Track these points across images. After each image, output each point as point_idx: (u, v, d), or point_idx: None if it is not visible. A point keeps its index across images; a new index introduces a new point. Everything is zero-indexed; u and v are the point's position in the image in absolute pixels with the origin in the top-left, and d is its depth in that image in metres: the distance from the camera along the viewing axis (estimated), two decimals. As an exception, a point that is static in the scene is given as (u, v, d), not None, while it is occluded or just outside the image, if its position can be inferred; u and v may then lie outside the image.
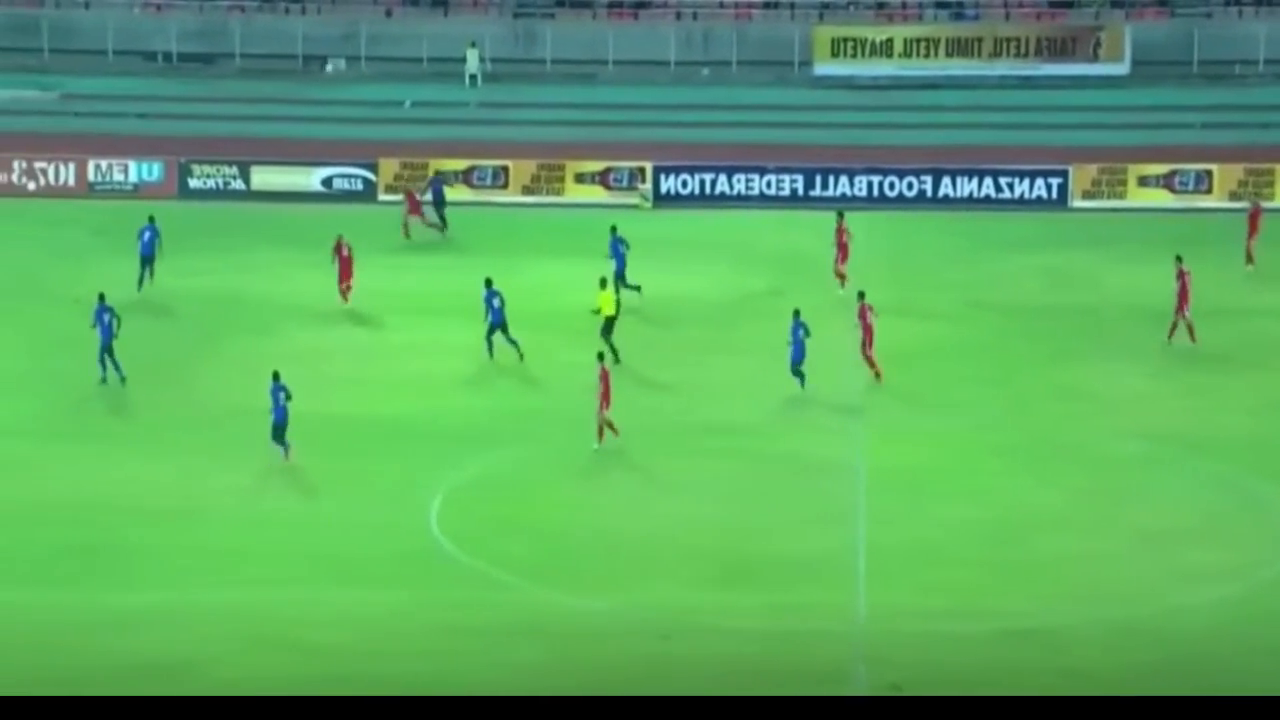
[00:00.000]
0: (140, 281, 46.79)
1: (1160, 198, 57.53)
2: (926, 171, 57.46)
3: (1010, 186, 57.49)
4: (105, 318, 40.09)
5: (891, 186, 57.38)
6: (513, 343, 41.69)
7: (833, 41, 64.39)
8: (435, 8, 67.34)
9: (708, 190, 57.16)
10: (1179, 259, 43.73)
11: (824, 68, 64.01)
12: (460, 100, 63.84)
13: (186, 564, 31.55)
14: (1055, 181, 57.51)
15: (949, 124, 61.71)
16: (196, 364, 41.48)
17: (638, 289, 45.74)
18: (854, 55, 64.22)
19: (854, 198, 57.07)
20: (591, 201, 56.35)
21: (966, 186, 57.44)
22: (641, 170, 57.13)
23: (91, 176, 56.29)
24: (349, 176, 56.90)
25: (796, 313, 40.29)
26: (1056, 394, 40.60)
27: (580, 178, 57.19)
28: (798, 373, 39.71)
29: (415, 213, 51.71)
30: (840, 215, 48.72)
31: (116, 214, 52.57)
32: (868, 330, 40.69)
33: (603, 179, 57.15)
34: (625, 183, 57.04)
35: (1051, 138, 60.27)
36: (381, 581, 31.09)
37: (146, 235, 47.45)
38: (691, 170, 57.32)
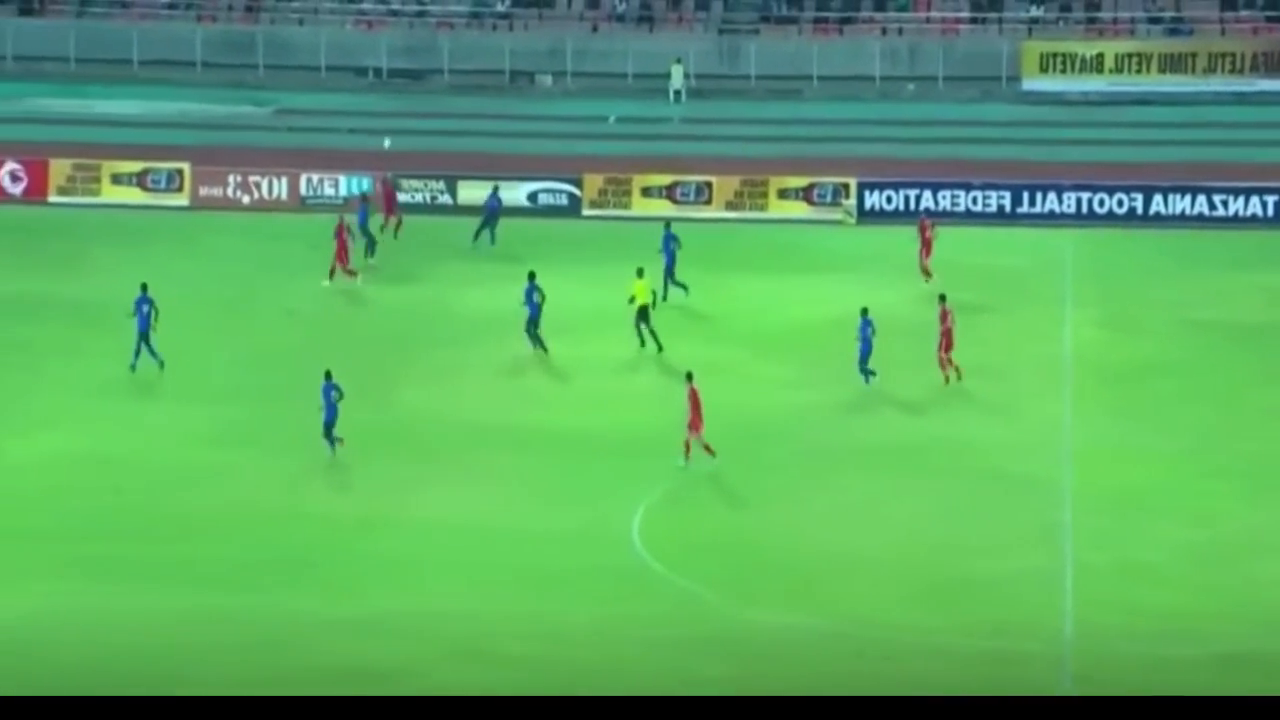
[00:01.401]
0: (368, 251, 49.60)
1: (1382, 215, 55.98)
2: (1137, 189, 56.39)
3: (1225, 204, 56.21)
4: (144, 308, 41.16)
5: (1101, 203, 56.38)
6: (539, 341, 42.28)
7: (1042, 56, 63.57)
8: (641, 24, 67.61)
9: (912, 206, 56.58)
10: None
11: (1032, 83, 63.22)
12: (664, 116, 63.97)
13: (387, 573, 31.75)
14: (1271, 199, 56.13)
15: (1161, 140, 60.58)
16: (398, 375, 41.90)
17: (685, 289, 46.59)
18: (1064, 70, 63.36)
19: (1062, 214, 56.21)
20: (795, 217, 56.08)
21: (1179, 204, 56.26)
22: (845, 186, 56.75)
23: (303, 190, 57.16)
24: (554, 191, 57.22)
25: (864, 311, 40.75)
26: (1273, 414, 39.59)
27: (784, 193, 56.93)
28: (864, 370, 40.37)
29: (390, 209, 51.36)
30: (925, 215, 50.69)
31: (327, 228, 53.31)
32: (945, 333, 40.75)
33: (806, 195, 56.83)
34: (829, 198, 56.69)
35: (1268, 154, 58.89)
36: (581, 595, 31.07)
37: (361, 209, 50.36)
38: (896, 186, 56.81)
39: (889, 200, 56.74)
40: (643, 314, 42.41)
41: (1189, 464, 36.79)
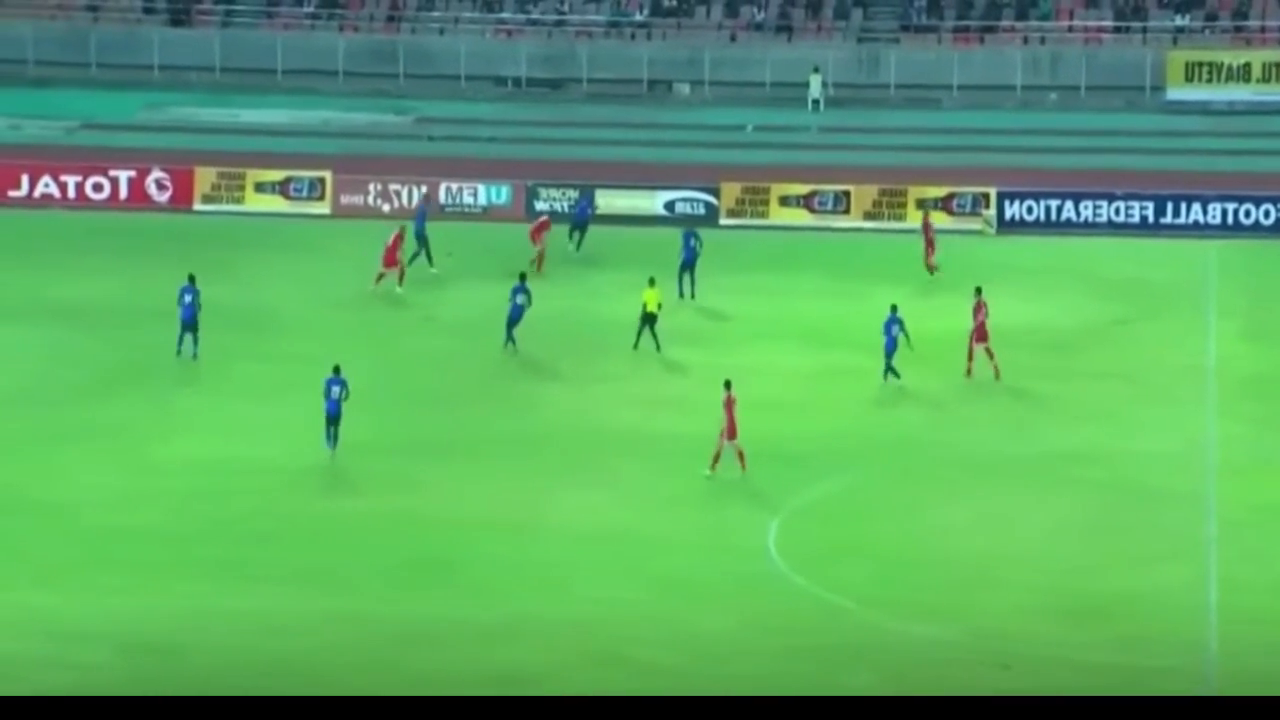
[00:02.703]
0: (423, 257, 49.72)
1: None
2: (1285, 199, 55.50)
3: (1374, 215, 55.19)
4: (187, 298, 42.65)
5: (1247, 214, 55.49)
6: (511, 340, 42.94)
7: (1187, 66, 62.79)
8: (779, 33, 67.49)
9: (1053, 217, 56.05)
10: None
11: (1177, 92, 62.46)
12: (802, 125, 63.81)
13: (525, 579, 31.81)
14: None
15: (1310, 150, 59.58)
16: (536, 382, 42.10)
17: (693, 294, 47.59)
18: (1209, 80, 62.52)
19: (1207, 225, 55.40)
20: (935, 227, 55.58)
21: (1327, 215, 55.31)
22: (985, 196, 56.28)
23: (442, 199, 57.51)
24: (691, 200, 57.20)
25: (894, 308, 41.30)
26: None
27: (923, 203, 56.54)
28: (889, 367, 40.84)
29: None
30: (926, 211, 51.80)
31: (465, 235, 53.65)
32: (979, 326, 41.45)
33: (946, 205, 56.41)
34: (969, 208, 56.25)
35: None
36: (717, 602, 30.99)
37: (420, 213, 51.09)
38: (1037, 196, 56.26)
39: (1029, 211, 56.21)
40: (648, 320, 43.31)
41: (1338, 478, 36.15)
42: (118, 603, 30.71)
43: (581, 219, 53.49)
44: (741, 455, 35.92)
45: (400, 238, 49.29)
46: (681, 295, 47.52)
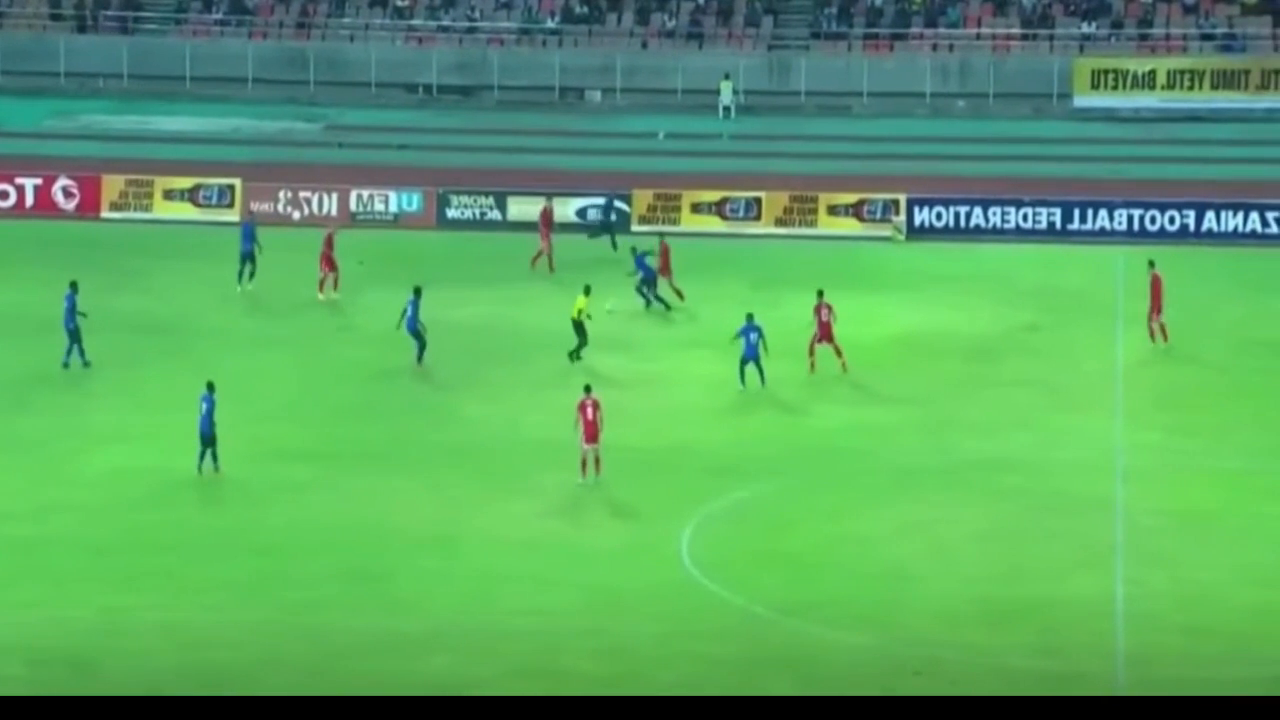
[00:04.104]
0: (247, 275, 49.36)
1: None
2: (1189, 206, 56.19)
3: (1278, 221, 55.94)
4: (67, 303, 42.64)
5: (1153, 221, 56.18)
6: (417, 343, 43.06)
7: (1093, 73, 63.51)
8: (690, 40, 67.73)
9: (962, 223, 56.52)
10: (1151, 264, 45.08)
11: (1084, 100, 63.16)
12: (714, 132, 64.07)
13: (452, 590, 31.74)
14: (1325, 217, 55.89)
15: (1214, 158, 60.40)
16: (459, 392, 42.05)
17: (665, 305, 48.06)
18: (1115, 87, 63.27)
19: (1113, 232, 56.04)
20: (845, 234, 56.06)
21: (1232, 221, 56.02)
22: (895, 203, 56.70)
23: (353, 206, 57.34)
24: (603, 207, 57.26)
25: (750, 316, 41.93)
26: (1330, 434, 39.33)
27: (833, 210, 56.90)
28: (743, 371, 41.40)
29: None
30: (661, 237, 50.35)
31: (377, 243, 53.49)
32: (823, 326, 42.66)
33: (856, 211, 56.80)
34: (879, 215, 56.65)
35: (1321, 172, 58.68)
36: (642, 612, 31.04)
37: (245, 228, 50.33)
38: (946, 203, 56.73)
39: (939, 217, 56.67)
40: (575, 325, 43.55)
41: (1247, 486, 36.58)
42: (30, 615, 30.43)
43: (604, 222, 53.57)
44: (598, 461, 35.93)
45: (331, 240, 49.10)
46: (649, 304, 47.84)
